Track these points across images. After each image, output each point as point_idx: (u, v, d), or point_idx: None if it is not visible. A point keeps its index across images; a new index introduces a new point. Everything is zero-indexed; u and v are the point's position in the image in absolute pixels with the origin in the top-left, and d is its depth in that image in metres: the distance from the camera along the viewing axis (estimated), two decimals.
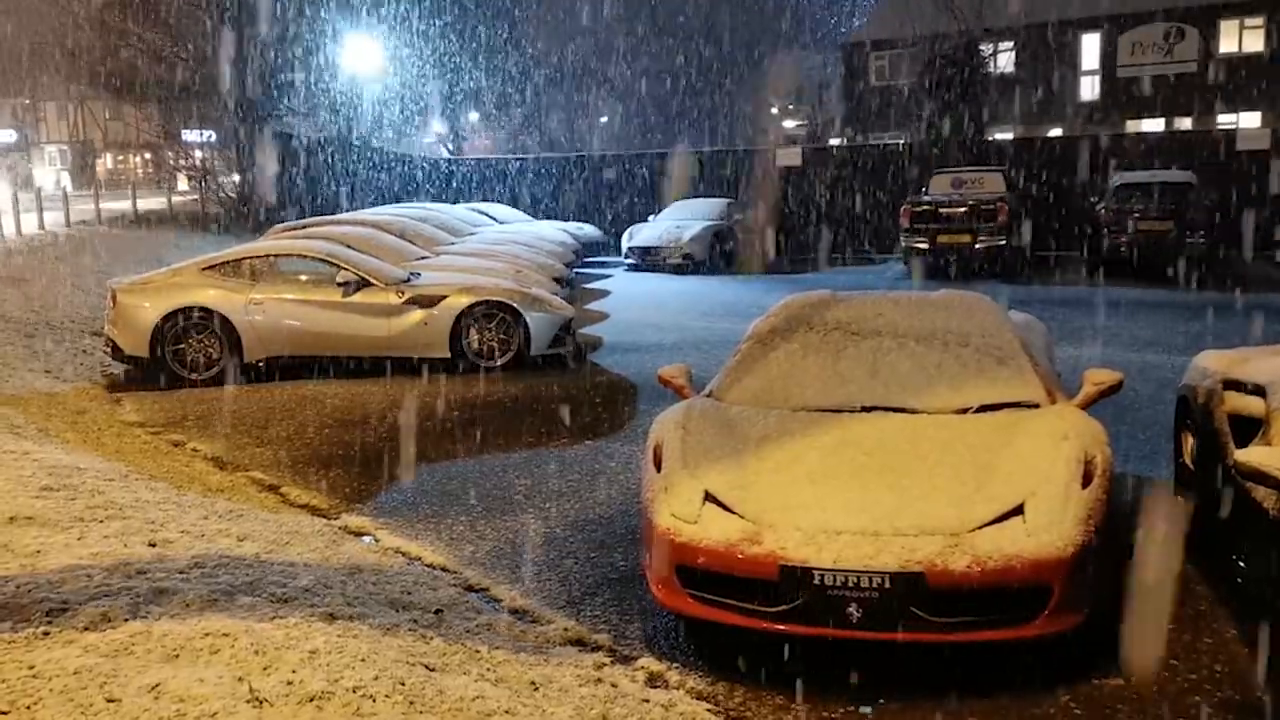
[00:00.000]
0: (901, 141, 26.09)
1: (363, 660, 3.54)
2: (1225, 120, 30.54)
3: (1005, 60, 32.15)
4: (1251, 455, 4.15)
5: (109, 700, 3.09)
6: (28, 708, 3.05)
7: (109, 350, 10.56)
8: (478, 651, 3.98)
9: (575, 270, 18.02)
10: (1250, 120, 30.46)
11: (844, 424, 4.79)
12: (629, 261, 20.80)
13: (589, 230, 22.24)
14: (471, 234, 17.75)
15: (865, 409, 4.95)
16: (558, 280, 14.17)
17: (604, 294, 16.86)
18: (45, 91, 54.50)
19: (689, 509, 4.25)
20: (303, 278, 10.68)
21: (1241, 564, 4.72)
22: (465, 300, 10.50)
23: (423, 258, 13.53)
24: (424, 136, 37.58)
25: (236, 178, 27.71)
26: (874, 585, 3.86)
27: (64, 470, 6.12)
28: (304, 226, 15.00)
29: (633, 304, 15.55)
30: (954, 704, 3.88)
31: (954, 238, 17.67)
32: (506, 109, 41.72)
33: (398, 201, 23.93)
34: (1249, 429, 4.82)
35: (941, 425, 4.70)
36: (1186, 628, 4.44)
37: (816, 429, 4.74)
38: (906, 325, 5.47)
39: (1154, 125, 31.50)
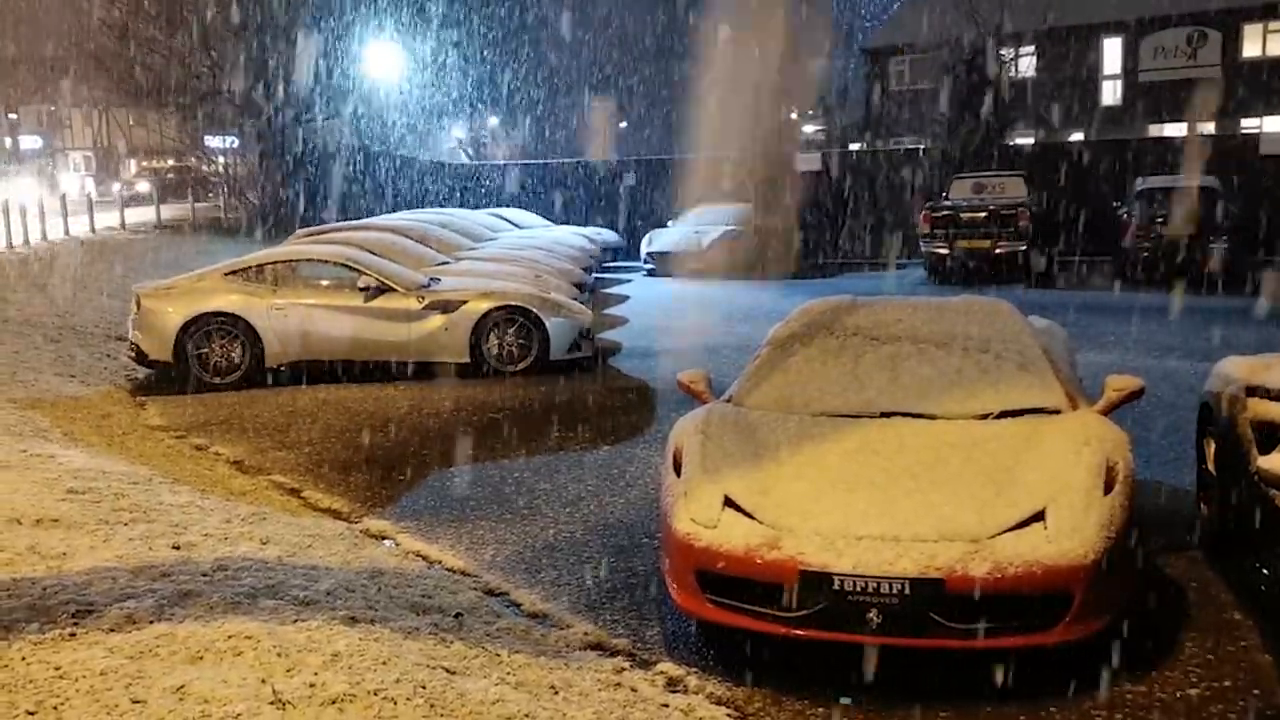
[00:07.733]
0: (922, 146, 26.00)
1: (384, 663, 3.56)
2: (1249, 124, 30.30)
3: (1026, 64, 32.01)
4: (1275, 462, 4.13)
5: (134, 701, 3.12)
6: (55, 708, 3.08)
7: (133, 354, 10.65)
8: (498, 655, 4.00)
9: (594, 275, 18.05)
10: (1274, 124, 30.20)
11: (864, 429, 4.78)
12: (648, 266, 20.82)
13: (608, 235, 22.25)
14: (491, 239, 17.81)
15: (885, 414, 4.94)
16: (577, 285, 14.19)
17: (623, 299, 16.88)
18: (70, 98, 55.05)
19: (708, 514, 4.25)
20: (324, 283, 10.75)
21: (1264, 571, 4.70)
22: (485, 305, 10.54)
23: (443, 263, 13.60)
24: (444, 142, 37.74)
25: (259, 183, 27.89)
26: (894, 591, 3.85)
27: (89, 473, 6.17)
28: (326, 232, 15.10)
29: (652, 309, 15.56)
30: (978, 711, 3.87)
31: (974, 243, 17.61)
32: (526, 114, 41.84)
33: (418, 206, 24.03)
34: (1272, 436, 4.78)
35: (962, 431, 4.69)
36: (1209, 635, 4.41)
37: (836, 434, 4.73)
38: (926, 331, 5.45)
39: (1177, 130, 31.28)
